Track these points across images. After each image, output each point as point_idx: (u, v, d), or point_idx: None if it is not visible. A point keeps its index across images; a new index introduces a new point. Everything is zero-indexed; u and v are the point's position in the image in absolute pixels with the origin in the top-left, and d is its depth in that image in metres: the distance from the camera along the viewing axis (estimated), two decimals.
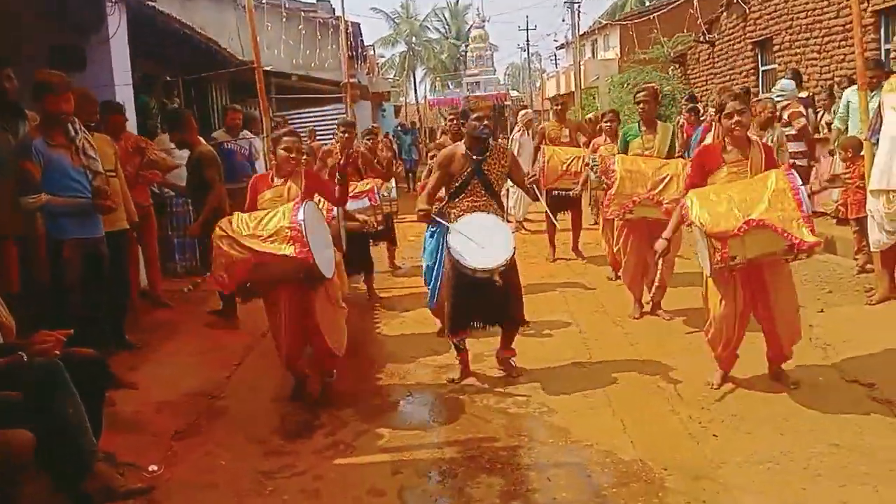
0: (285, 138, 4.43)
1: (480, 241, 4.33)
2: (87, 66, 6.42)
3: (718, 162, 4.14)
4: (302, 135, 7.26)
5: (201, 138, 6.29)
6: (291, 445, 3.85)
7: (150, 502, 3.20)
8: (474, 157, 4.55)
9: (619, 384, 4.42)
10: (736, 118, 3.99)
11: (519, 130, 10.22)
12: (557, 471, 3.40)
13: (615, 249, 6.18)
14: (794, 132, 7.84)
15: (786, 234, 3.72)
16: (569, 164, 7.83)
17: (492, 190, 4.61)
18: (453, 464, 3.53)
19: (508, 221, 5.92)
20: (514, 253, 4.45)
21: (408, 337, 5.78)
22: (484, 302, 4.50)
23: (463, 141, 4.71)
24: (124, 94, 6.66)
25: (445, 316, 4.68)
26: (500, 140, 7.20)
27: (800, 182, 3.85)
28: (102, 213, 4.47)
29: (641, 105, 5.62)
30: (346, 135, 6.59)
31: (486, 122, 4.53)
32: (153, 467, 3.56)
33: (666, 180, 5.31)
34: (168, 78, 10.09)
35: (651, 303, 5.81)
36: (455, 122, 6.69)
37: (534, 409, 4.16)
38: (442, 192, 4.74)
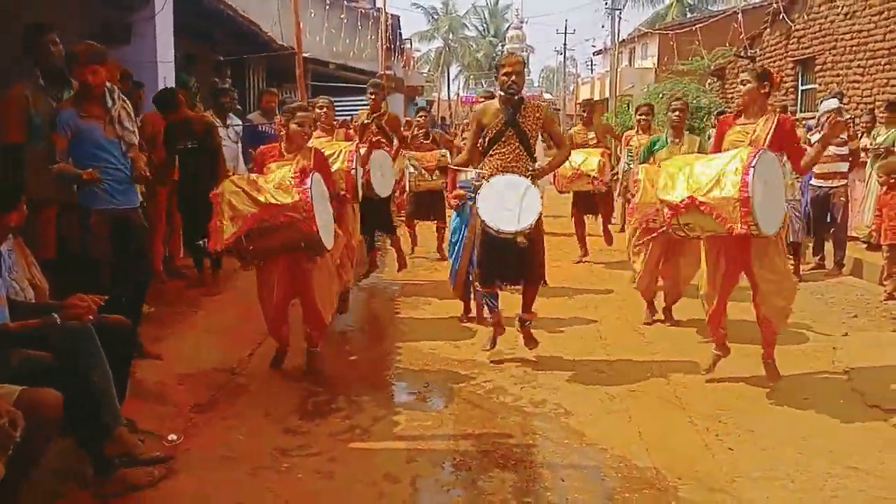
0: (299, 113, 4.50)
1: (509, 202, 4.42)
2: (131, 42, 6.52)
3: (731, 124, 4.49)
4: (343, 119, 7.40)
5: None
6: (308, 426, 3.89)
7: (168, 470, 3.26)
8: (508, 107, 4.61)
9: (638, 391, 4.42)
10: (740, 83, 4.44)
11: None
12: (571, 472, 3.41)
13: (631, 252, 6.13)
14: (846, 151, 7.77)
15: (719, 219, 3.88)
16: (580, 165, 7.85)
17: (526, 142, 4.66)
18: (467, 456, 3.55)
19: None
20: (540, 216, 4.52)
21: (428, 325, 5.83)
22: (508, 261, 4.62)
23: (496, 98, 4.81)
24: (166, 70, 6.76)
25: (475, 271, 4.82)
26: None
27: (754, 162, 3.85)
28: (139, 182, 4.52)
29: (677, 113, 5.67)
30: (374, 96, 6.65)
31: (514, 77, 4.57)
32: (172, 437, 3.63)
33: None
34: (220, 58, 10.20)
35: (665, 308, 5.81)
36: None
37: (550, 409, 4.17)
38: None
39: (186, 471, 3.32)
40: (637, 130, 7.17)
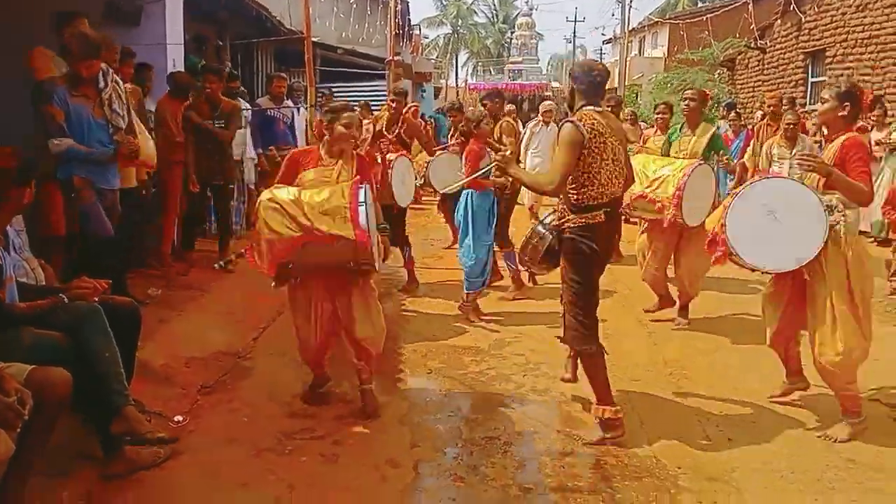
0: (346, 114, 3.85)
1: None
2: (140, 23, 6.53)
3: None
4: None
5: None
6: (312, 410, 3.94)
7: (173, 451, 3.31)
8: None
9: (640, 382, 4.44)
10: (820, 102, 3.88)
11: (536, 122, 9.91)
12: (572, 459, 3.45)
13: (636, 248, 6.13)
14: None
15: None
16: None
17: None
18: (469, 443, 3.59)
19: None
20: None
21: (432, 317, 5.85)
22: None
23: None
24: (175, 53, 6.76)
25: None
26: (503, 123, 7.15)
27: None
28: (130, 157, 4.55)
29: (687, 103, 5.55)
30: (395, 104, 6.47)
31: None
32: (178, 418, 3.68)
33: (661, 179, 5.28)
34: (220, 42, 10.19)
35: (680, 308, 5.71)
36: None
37: (552, 397, 4.21)
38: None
39: (191, 452, 3.36)
40: (655, 130, 7.04)
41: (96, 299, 3.17)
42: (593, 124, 3.48)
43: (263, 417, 3.82)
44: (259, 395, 4.11)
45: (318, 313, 3.88)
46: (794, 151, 6.46)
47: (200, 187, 6.20)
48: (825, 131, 4.22)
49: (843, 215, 3.59)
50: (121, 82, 4.61)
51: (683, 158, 5.40)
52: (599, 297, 3.72)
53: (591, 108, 3.58)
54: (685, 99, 5.63)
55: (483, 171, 4.98)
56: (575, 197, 3.57)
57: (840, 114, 3.70)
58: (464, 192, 5.69)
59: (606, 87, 3.78)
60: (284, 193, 3.63)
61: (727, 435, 3.70)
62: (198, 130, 6.11)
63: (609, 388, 3.64)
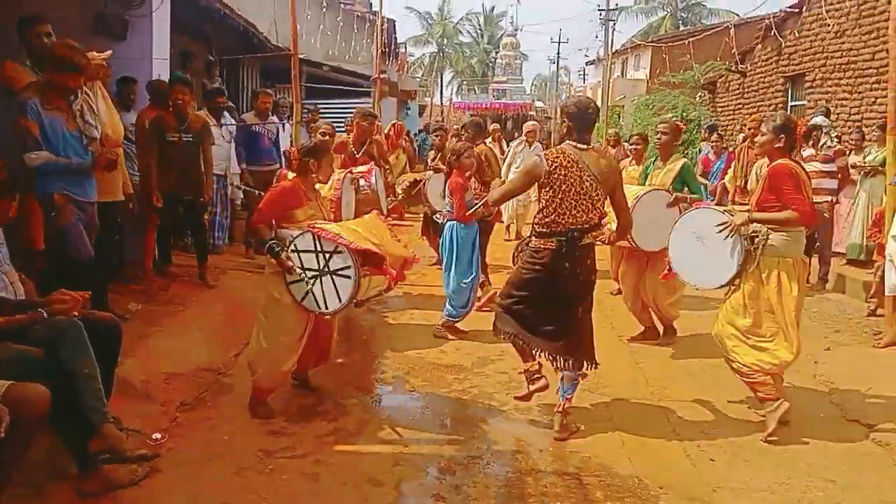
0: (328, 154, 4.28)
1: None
2: (127, 37, 6.50)
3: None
4: (337, 126, 7.39)
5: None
6: (294, 428, 3.90)
7: (151, 469, 3.26)
8: None
9: (621, 401, 4.45)
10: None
11: (520, 142, 10.04)
12: (554, 479, 3.44)
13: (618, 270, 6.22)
14: (833, 168, 7.88)
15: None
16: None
17: None
18: (452, 462, 3.57)
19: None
20: None
21: (414, 331, 5.85)
22: None
23: None
24: (161, 67, 6.74)
25: None
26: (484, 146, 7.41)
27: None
28: (108, 169, 4.52)
29: (659, 136, 5.68)
30: (368, 125, 6.67)
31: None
32: (157, 435, 3.63)
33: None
34: (210, 58, 10.18)
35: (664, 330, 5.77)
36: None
37: (535, 416, 4.20)
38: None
39: (170, 470, 3.32)
40: (631, 160, 7.08)
41: (76, 313, 3.13)
42: (558, 159, 3.80)
43: (244, 435, 3.78)
44: (240, 412, 4.07)
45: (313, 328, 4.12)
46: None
47: (171, 201, 5.99)
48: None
49: (766, 238, 3.97)
50: (90, 94, 4.58)
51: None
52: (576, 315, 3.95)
53: (573, 144, 3.86)
54: (658, 132, 5.76)
55: (473, 209, 5.51)
56: (535, 221, 3.98)
57: (777, 145, 4.07)
58: (448, 223, 5.77)
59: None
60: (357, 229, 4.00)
61: (709, 455, 3.72)
62: (163, 143, 5.88)
63: (527, 352, 4.06)
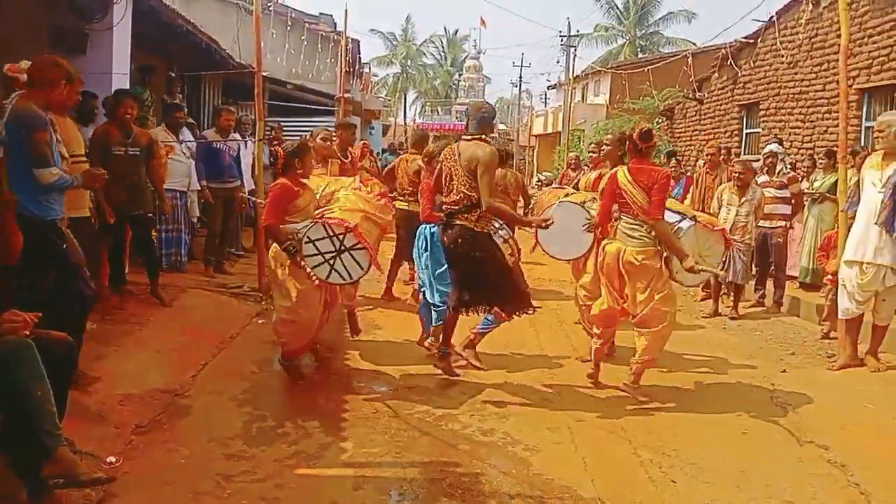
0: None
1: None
2: (87, 52, 6.41)
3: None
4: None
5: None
6: (253, 451, 3.82)
7: (106, 493, 3.16)
8: None
9: (584, 423, 4.47)
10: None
11: None
12: (517, 501, 3.42)
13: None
14: (787, 194, 8.11)
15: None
16: None
17: None
18: (415, 485, 3.54)
19: None
20: None
21: (378, 348, 5.82)
22: None
23: None
24: (120, 82, 6.66)
25: None
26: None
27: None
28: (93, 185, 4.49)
29: (602, 146, 6.18)
30: (349, 133, 7.21)
31: None
32: (111, 459, 3.52)
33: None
34: (171, 73, 10.06)
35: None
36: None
37: (498, 438, 4.19)
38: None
39: (125, 494, 3.23)
40: (591, 168, 7.25)
41: (27, 333, 3.03)
42: (444, 150, 4.93)
43: (201, 458, 3.69)
44: (196, 435, 3.98)
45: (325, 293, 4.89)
46: (742, 199, 7.45)
47: (118, 217, 5.83)
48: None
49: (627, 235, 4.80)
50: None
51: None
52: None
53: (470, 136, 4.72)
54: (603, 142, 6.37)
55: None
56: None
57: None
58: (420, 226, 5.66)
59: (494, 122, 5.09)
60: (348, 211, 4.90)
61: (670, 477, 3.75)
62: (108, 156, 5.65)
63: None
